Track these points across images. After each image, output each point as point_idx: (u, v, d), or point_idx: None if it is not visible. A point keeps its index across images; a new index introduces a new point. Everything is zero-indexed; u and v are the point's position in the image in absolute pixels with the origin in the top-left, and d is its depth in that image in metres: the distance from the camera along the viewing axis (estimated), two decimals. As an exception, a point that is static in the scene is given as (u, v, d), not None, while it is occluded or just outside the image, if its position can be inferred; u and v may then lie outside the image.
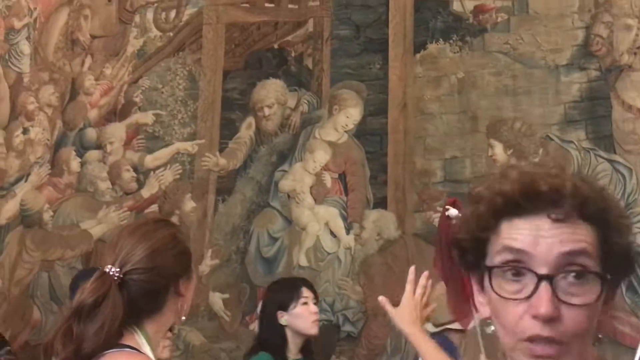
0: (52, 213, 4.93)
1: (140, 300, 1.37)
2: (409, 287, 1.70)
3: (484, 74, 4.04)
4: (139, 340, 1.37)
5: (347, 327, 4.18)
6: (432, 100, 4.18)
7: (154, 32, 4.89)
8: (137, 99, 4.84)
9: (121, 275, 1.34)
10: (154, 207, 4.60)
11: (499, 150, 3.97)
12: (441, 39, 4.18)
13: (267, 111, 4.53)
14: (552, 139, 3.90)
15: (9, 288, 4.95)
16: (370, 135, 4.35)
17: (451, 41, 4.16)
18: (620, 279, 0.82)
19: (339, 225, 4.32)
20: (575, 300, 0.76)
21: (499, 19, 4.07)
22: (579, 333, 0.77)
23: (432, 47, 4.21)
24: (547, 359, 0.76)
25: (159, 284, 1.39)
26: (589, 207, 0.79)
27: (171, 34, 4.84)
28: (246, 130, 4.56)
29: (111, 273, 1.34)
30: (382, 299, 1.71)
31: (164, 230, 1.43)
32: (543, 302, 0.75)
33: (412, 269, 1.78)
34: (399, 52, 4.28)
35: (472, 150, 4.04)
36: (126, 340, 1.37)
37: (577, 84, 3.86)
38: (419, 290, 1.69)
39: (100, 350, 1.31)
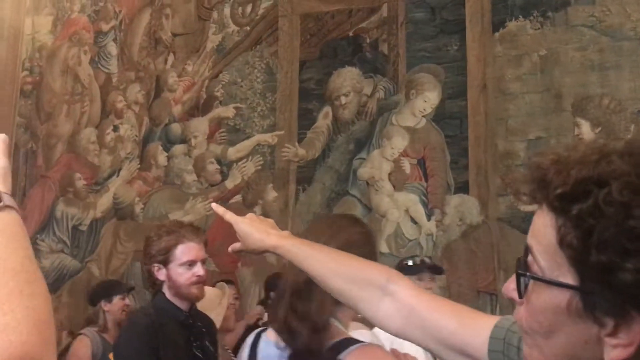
0: (142, 205, 5.17)
1: None
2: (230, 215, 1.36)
3: (568, 49, 3.87)
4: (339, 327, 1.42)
5: (431, 313, 4.15)
6: (513, 80, 4.05)
7: (232, 27, 5.01)
8: (218, 94, 4.98)
9: None
10: (237, 198, 4.74)
11: (586, 129, 3.80)
12: (521, 16, 4.03)
13: (343, 100, 4.55)
14: (644, 115, 3.69)
15: (105, 277, 5.24)
16: (450, 118, 4.26)
17: (531, 17, 4.00)
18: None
19: (419, 212, 4.29)
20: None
21: (583, -9, 3.88)
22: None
23: (511, 25, 4.07)
24: None
25: None
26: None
27: (248, 28, 4.94)
28: (323, 120, 4.59)
29: None
30: (215, 205, 1.37)
31: (357, 227, 1.46)
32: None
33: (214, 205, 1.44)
34: (477, 31, 4.17)
35: (557, 129, 3.88)
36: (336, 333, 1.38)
37: (672, 55, 3.63)
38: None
39: (326, 328, 1.34)
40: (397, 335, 1.05)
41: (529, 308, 0.70)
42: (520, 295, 0.71)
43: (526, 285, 0.70)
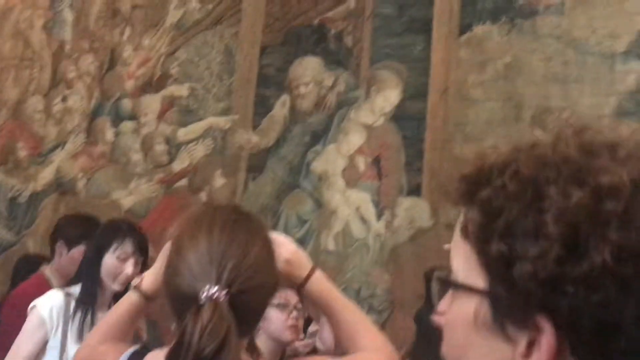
0: (85, 181, 4.95)
1: (252, 320, 1.15)
2: None
3: (533, 59, 3.80)
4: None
5: (372, 316, 4.04)
6: (475, 86, 3.96)
7: (194, 4, 4.81)
8: (173, 71, 4.79)
9: (228, 297, 1.06)
10: (183, 182, 4.56)
11: (543, 141, 3.74)
12: (489, 21, 3.95)
13: (303, 89, 4.40)
14: (602, 132, 3.64)
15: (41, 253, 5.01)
16: (408, 119, 4.16)
17: (499, 23, 3.92)
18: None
19: (370, 211, 4.18)
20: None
21: (553, 1, 3.81)
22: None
23: (478, 29, 3.98)
24: None
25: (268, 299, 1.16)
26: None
27: (210, 6, 4.75)
28: (281, 108, 4.44)
29: (222, 299, 1.04)
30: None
31: (262, 234, 1.17)
32: None
33: None
34: (443, 33, 4.07)
35: (515, 140, 3.78)
36: None
37: (634, 74, 3.59)
38: None
39: None
40: None
41: (445, 327, 0.57)
42: (435, 307, 0.59)
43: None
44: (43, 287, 2.73)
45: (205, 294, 1.05)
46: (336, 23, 4.39)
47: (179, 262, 1.10)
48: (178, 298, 1.09)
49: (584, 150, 0.53)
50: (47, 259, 3.63)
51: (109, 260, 2.45)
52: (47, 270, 2.96)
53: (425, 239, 4.00)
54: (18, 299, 2.80)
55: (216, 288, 1.05)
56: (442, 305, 0.58)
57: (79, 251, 2.78)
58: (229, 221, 1.14)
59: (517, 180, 0.53)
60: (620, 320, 0.48)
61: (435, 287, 0.59)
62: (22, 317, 2.52)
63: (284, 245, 1.26)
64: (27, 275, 3.33)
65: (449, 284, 0.57)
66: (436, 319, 0.59)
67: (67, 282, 2.79)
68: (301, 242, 4.27)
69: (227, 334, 1.03)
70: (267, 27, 4.55)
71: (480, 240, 0.54)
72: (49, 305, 2.35)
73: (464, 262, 0.57)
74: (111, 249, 2.46)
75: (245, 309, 1.09)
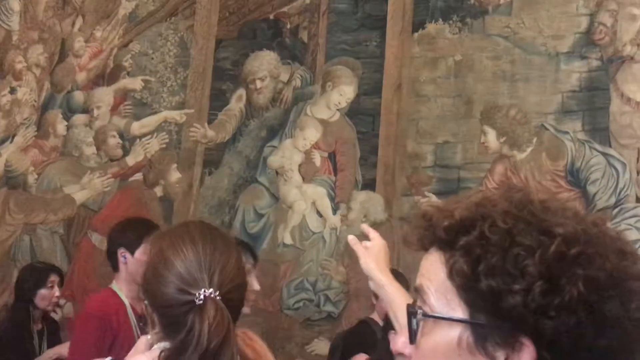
0: (36, 176, 4.84)
1: (237, 315, 1.27)
2: (374, 234, 1.57)
3: (482, 57, 3.92)
4: None
5: (328, 307, 4.14)
6: (427, 82, 4.07)
7: (147, -5, 4.75)
8: (126, 64, 4.72)
9: (220, 297, 1.21)
10: (138, 176, 4.52)
11: (492, 137, 3.87)
12: (441, 19, 4.05)
13: (259, 84, 4.41)
14: (547, 129, 3.80)
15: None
16: (363, 114, 4.24)
17: (451, 22, 4.03)
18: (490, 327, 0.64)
19: (325, 205, 4.25)
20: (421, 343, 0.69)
21: (502, 1, 3.94)
22: None
23: (431, 27, 4.08)
24: None
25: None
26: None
27: (164, -2, 4.70)
28: (236, 103, 4.45)
29: (218, 298, 1.18)
30: (352, 238, 1.53)
31: (232, 241, 1.34)
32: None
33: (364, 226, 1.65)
34: (397, 30, 4.15)
35: (465, 135, 3.94)
36: None
37: (577, 73, 3.75)
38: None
39: None
40: None
41: (419, 354, 0.68)
42: (412, 340, 0.68)
43: (416, 330, 0.69)
44: (114, 299, 2.69)
45: (202, 295, 1.17)
46: (292, 18, 4.41)
47: (166, 272, 1.21)
48: (167, 305, 1.17)
49: (544, 210, 0.68)
50: (55, 267, 3.54)
51: None
52: (114, 284, 2.78)
53: (379, 232, 4.08)
54: (96, 316, 2.65)
55: (211, 290, 1.19)
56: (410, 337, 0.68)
57: (141, 252, 2.64)
58: (207, 233, 1.28)
59: (496, 231, 0.66)
60: (587, 335, 0.63)
61: (414, 321, 0.68)
62: (96, 334, 2.53)
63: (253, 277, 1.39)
64: (38, 285, 3.30)
65: (432, 317, 0.67)
66: (401, 349, 0.69)
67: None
68: (258, 236, 4.32)
69: (228, 328, 1.17)
70: (223, 20, 4.53)
71: (468, 279, 0.65)
72: None
73: (439, 297, 0.68)
74: None
75: (233, 305, 1.24)
